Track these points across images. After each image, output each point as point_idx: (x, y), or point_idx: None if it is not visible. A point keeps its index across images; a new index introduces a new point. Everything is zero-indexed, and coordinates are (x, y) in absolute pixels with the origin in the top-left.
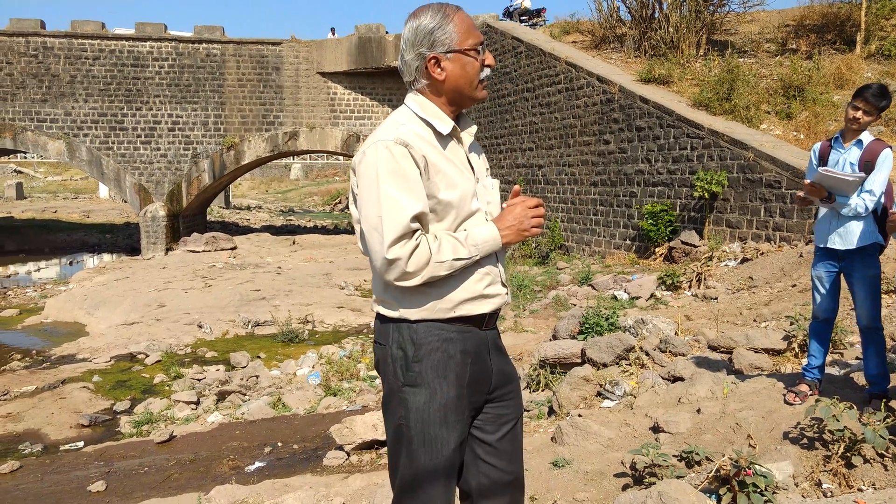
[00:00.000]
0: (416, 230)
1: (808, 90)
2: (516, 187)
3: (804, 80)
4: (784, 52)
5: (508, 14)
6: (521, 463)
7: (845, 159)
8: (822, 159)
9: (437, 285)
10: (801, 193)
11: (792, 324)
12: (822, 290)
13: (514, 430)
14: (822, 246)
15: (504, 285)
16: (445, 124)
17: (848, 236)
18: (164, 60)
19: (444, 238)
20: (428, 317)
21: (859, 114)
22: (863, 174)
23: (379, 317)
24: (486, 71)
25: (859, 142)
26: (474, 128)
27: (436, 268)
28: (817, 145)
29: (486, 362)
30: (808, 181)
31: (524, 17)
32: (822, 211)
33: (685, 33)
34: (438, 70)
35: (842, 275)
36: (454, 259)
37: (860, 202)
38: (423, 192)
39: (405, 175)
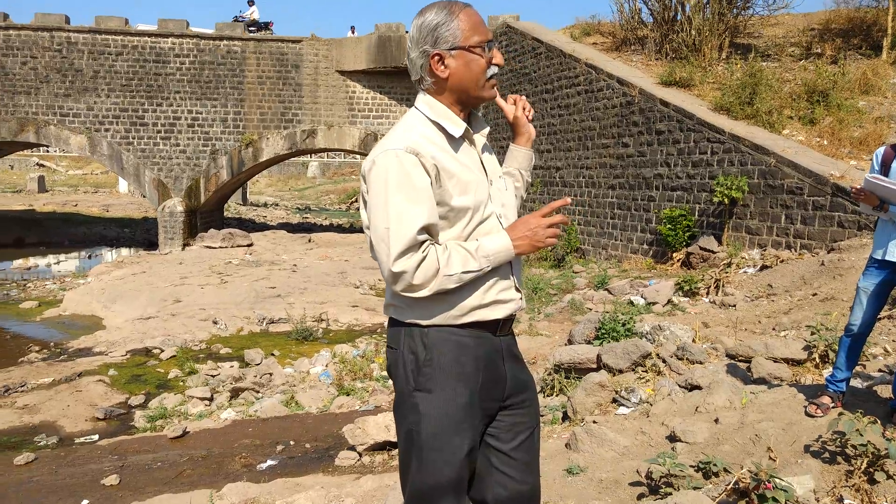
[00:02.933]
0: (424, 241)
1: (833, 96)
2: (563, 200)
3: (829, 85)
4: (809, 56)
5: (236, 21)
6: (537, 474)
7: None
8: (886, 165)
9: (449, 292)
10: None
11: (813, 333)
12: (867, 304)
13: (530, 440)
14: (878, 257)
15: (518, 290)
16: (457, 126)
17: None
18: (186, 57)
19: (453, 250)
20: (440, 322)
21: None
22: None
23: (390, 320)
24: (493, 69)
25: None
26: (487, 129)
27: (444, 281)
28: (880, 150)
29: (499, 369)
30: (856, 188)
31: (252, 28)
32: (882, 220)
33: (708, 36)
34: (442, 67)
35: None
36: (463, 272)
37: None
38: (433, 203)
39: (414, 186)
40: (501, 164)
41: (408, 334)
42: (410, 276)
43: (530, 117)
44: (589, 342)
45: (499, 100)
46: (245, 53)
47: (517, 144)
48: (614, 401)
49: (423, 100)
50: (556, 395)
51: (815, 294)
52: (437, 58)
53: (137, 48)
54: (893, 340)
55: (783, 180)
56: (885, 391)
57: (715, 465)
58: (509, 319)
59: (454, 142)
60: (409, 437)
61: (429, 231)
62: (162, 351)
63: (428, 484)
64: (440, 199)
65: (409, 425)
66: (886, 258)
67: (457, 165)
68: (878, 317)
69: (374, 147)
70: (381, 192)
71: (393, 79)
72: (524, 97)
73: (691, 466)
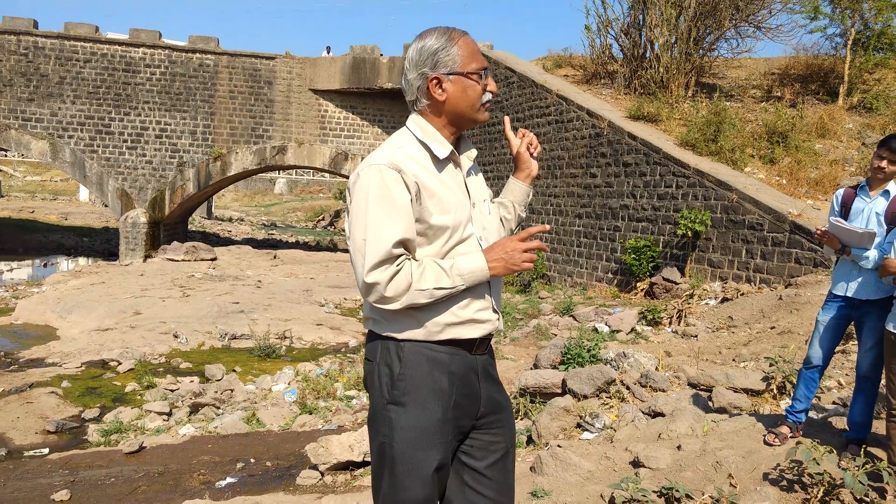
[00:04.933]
0: (400, 255)
1: (792, 137)
2: (542, 227)
3: (788, 127)
4: (769, 98)
5: None
6: (511, 494)
7: (871, 209)
8: (846, 206)
9: (424, 308)
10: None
11: (771, 365)
12: (825, 337)
13: (504, 460)
14: (837, 293)
15: (496, 311)
16: (443, 148)
17: (867, 286)
18: (157, 67)
19: (428, 266)
20: (415, 337)
21: (884, 163)
22: (872, 229)
23: (368, 333)
24: (487, 95)
25: (886, 192)
26: (474, 152)
27: (415, 295)
28: (840, 192)
29: (473, 386)
30: (820, 230)
31: None
32: (842, 259)
33: (675, 74)
34: (440, 91)
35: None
36: (435, 288)
37: (875, 254)
38: (411, 219)
39: (394, 200)
40: (499, 195)
41: (384, 348)
42: (383, 287)
43: (535, 154)
44: (554, 367)
45: (508, 132)
46: (217, 67)
47: (516, 178)
48: (579, 426)
49: (415, 120)
50: (521, 419)
51: (773, 327)
52: (435, 81)
53: (107, 56)
54: (847, 374)
55: (744, 216)
56: (839, 423)
57: (677, 490)
58: (486, 339)
59: (439, 162)
60: (382, 449)
61: (405, 246)
62: (119, 363)
63: (399, 497)
64: (420, 217)
65: (382, 438)
66: (847, 294)
67: (439, 185)
68: (834, 350)
69: (351, 160)
70: (361, 205)
71: (366, 99)
72: (532, 134)
73: (654, 492)
